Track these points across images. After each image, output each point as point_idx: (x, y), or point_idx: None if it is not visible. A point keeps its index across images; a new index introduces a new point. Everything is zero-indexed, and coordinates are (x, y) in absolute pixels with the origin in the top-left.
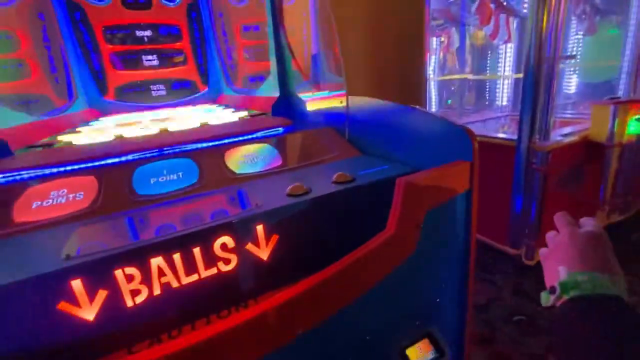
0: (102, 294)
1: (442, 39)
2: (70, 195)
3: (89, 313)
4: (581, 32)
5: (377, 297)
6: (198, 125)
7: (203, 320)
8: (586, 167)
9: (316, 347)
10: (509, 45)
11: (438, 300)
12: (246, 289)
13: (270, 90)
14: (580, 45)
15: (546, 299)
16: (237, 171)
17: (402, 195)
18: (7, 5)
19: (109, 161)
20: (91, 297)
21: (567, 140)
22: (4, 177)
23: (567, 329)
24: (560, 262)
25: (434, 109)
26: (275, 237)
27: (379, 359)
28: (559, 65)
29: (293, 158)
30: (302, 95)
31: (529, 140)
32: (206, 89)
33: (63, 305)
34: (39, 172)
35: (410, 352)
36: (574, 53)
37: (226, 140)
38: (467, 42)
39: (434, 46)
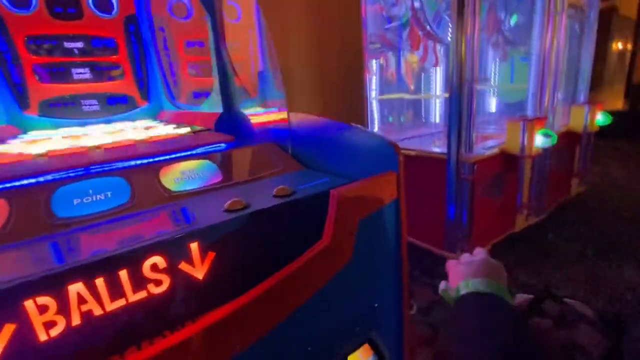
0: (8, 329)
1: (381, 61)
2: None
3: None
4: (497, 59)
5: (317, 307)
6: (133, 141)
7: (133, 349)
8: (506, 176)
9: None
10: (438, 68)
11: (376, 305)
12: (181, 311)
13: (214, 106)
14: (497, 70)
15: (443, 290)
16: (172, 189)
17: (335, 206)
18: None
19: (25, 181)
20: None
21: (489, 152)
22: None
23: (457, 319)
24: (463, 272)
25: (376, 125)
26: (211, 255)
27: None
28: (477, 87)
29: (234, 174)
30: (249, 112)
31: (456, 153)
32: (146, 104)
33: None
34: None
35: (351, 358)
36: (491, 77)
37: (163, 157)
38: (403, 64)
39: (374, 67)
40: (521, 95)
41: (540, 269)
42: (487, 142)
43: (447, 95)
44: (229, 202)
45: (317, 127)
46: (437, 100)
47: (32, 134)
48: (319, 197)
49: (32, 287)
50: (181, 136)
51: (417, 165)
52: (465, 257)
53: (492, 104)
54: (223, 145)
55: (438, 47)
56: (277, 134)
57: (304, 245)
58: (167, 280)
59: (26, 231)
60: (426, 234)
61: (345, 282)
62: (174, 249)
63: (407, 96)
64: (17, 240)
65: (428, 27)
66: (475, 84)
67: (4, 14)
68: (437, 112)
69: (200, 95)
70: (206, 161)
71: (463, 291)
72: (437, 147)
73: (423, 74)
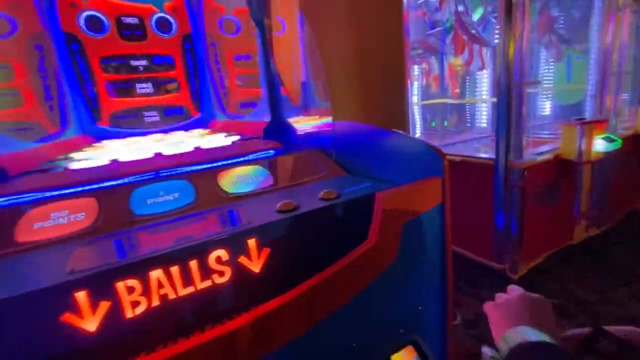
0: (104, 306)
1: (424, 66)
2: (72, 216)
3: (91, 324)
4: (552, 59)
5: (362, 304)
6: (192, 148)
7: (197, 332)
8: (561, 183)
9: (305, 354)
10: (483, 71)
11: (420, 308)
12: (239, 300)
13: (261, 115)
14: (551, 71)
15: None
16: (230, 191)
17: (381, 208)
18: (5, 37)
19: (107, 184)
20: (93, 308)
21: (541, 158)
22: (4, 200)
23: None
24: (504, 318)
25: (418, 131)
26: (266, 251)
27: None
28: (526, 90)
29: (283, 178)
30: (292, 120)
31: (505, 158)
32: (199, 115)
33: (67, 317)
34: (39, 195)
35: (395, 358)
36: (545, 78)
37: (220, 163)
38: (446, 68)
39: (416, 73)
40: (578, 97)
41: (600, 284)
42: (540, 148)
43: (494, 99)
44: (280, 203)
45: (359, 134)
46: (484, 105)
47: (104, 143)
48: (364, 200)
49: (123, 272)
50: (233, 144)
51: (463, 171)
52: (502, 297)
53: (546, 107)
54: (272, 152)
55: (484, 50)
56: (321, 141)
57: (349, 245)
58: (228, 272)
59: (112, 225)
60: (473, 243)
61: (389, 283)
62: (235, 244)
63: (450, 101)
64: (106, 232)
65: (473, 31)
66: (525, 86)
67: (83, 38)
68: (483, 116)
69: (247, 105)
70: (258, 166)
71: (509, 344)
72: (484, 153)
73: (468, 78)
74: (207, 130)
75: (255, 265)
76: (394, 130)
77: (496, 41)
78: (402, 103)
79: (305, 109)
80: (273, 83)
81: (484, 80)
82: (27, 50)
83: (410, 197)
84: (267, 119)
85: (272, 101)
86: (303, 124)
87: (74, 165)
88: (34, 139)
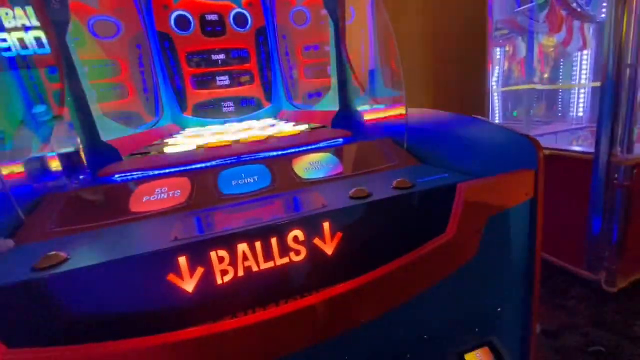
0: (200, 271)
1: (507, 48)
2: (171, 193)
3: (189, 285)
4: None
5: (436, 298)
6: (266, 137)
7: (272, 305)
8: None
9: (374, 340)
10: (584, 52)
11: (499, 310)
12: (313, 280)
13: (327, 105)
14: None
15: None
16: (304, 177)
17: (462, 201)
18: (112, 38)
19: (198, 166)
20: (192, 272)
21: None
22: (120, 177)
23: None
24: None
25: (497, 120)
26: (339, 235)
27: (436, 359)
28: None
29: (353, 166)
30: (360, 108)
31: (609, 153)
32: (269, 105)
33: (172, 277)
34: (146, 173)
35: (468, 357)
36: None
37: (293, 150)
38: (535, 50)
39: (498, 57)
40: None
41: None
42: None
43: (597, 84)
44: (353, 190)
45: (433, 122)
46: (582, 91)
47: (190, 131)
48: (441, 191)
49: (216, 243)
50: (303, 132)
51: (552, 166)
52: None
53: None
54: (342, 140)
55: (586, 27)
56: (391, 129)
57: (425, 237)
58: (304, 251)
59: (204, 202)
60: (560, 248)
61: (466, 280)
62: (310, 226)
63: (540, 87)
64: (200, 208)
65: (574, 4)
66: None
67: (173, 36)
68: (579, 105)
69: (313, 95)
70: (329, 154)
71: None
72: (579, 146)
73: (562, 61)
74: (277, 120)
75: (328, 248)
76: (473, 116)
77: (603, 16)
78: (481, 90)
79: (373, 97)
80: (344, 72)
81: (584, 64)
82: (129, 49)
83: (497, 190)
84: (332, 108)
85: (342, 90)
86: (373, 112)
87: (169, 150)
88: (135, 127)
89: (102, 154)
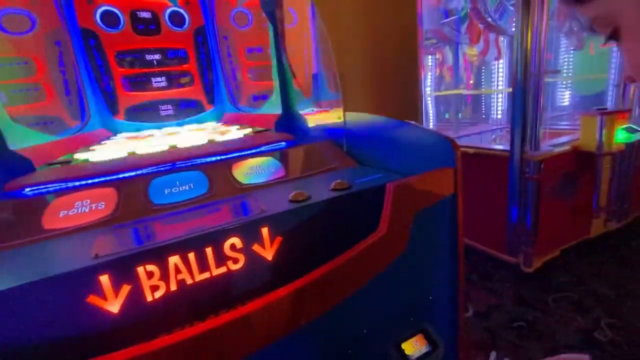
0: (125, 289)
1: (437, 56)
2: (93, 205)
3: (114, 306)
4: (572, 48)
5: (373, 293)
6: (206, 141)
7: (212, 316)
8: (580, 176)
9: (316, 340)
10: (500, 61)
11: (431, 298)
12: (252, 287)
13: (272, 108)
14: (572, 60)
15: None
16: (243, 182)
17: (391, 198)
18: (25, 34)
19: (126, 174)
20: (116, 291)
21: (559, 149)
22: (31, 190)
23: None
24: None
25: (431, 123)
26: (279, 239)
27: (376, 351)
28: (544, 80)
29: (295, 169)
30: (304, 112)
31: (520, 150)
32: (212, 108)
33: (92, 299)
34: (63, 185)
35: (405, 345)
36: (565, 67)
37: (233, 155)
38: (460, 59)
39: (429, 64)
40: (599, 87)
41: (618, 279)
42: (559, 139)
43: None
44: (292, 193)
45: (371, 125)
46: (500, 96)
47: (121, 136)
48: (375, 191)
49: (143, 257)
50: (246, 136)
51: (477, 163)
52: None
53: (565, 98)
54: (284, 143)
55: (501, 39)
56: (332, 133)
57: (360, 235)
58: (242, 259)
59: (132, 214)
60: (486, 236)
61: (399, 272)
62: (248, 233)
63: (465, 92)
64: (127, 220)
65: (489, 19)
66: (542, 77)
67: (100, 33)
68: (498, 108)
69: (258, 98)
70: (270, 158)
71: None
72: (499, 145)
73: (483, 69)
74: (220, 123)
75: (267, 253)
76: (405, 121)
77: (513, 29)
78: (415, 94)
79: (316, 101)
80: (285, 75)
81: (500, 71)
82: (46, 46)
83: (422, 188)
84: (278, 111)
85: (284, 93)
86: (314, 116)
87: (94, 157)
88: (55, 133)
89: (10, 165)
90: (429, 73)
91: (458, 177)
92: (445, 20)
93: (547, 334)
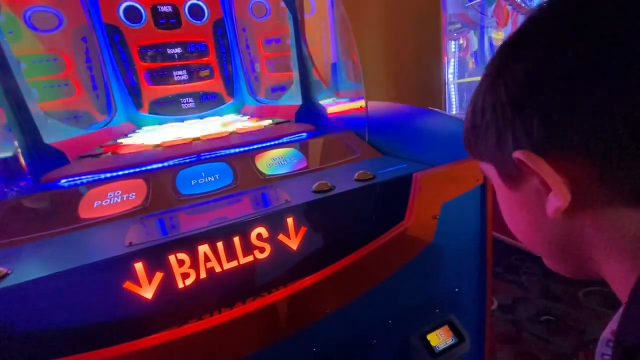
0: (158, 276)
1: (462, 41)
2: (125, 196)
3: (148, 292)
4: None
5: (398, 284)
6: (228, 133)
7: (239, 303)
8: None
9: (341, 329)
10: None
11: (457, 290)
12: (278, 276)
13: (291, 99)
14: None
15: None
16: (267, 172)
17: (418, 189)
18: (54, 31)
19: (154, 166)
20: (150, 278)
21: None
22: (67, 181)
23: None
24: None
25: (454, 111)
26: (303, 229)
27: (400, 342)
28: None
29: (317, 160)
30: (323, 102)
31: None
32: (231, 100)
33: (128, 285)
34: (95, 176)
35: (431, 337)
36: None
37: (255, 146)
38: (486, 43)
39: (453, 49)
40: None
41: None
42: None
43: None
44: (316, 184)
45: (393, 114)
46: None
47: (145, 129)
48: (399, 181)
49: (174, 246)
50: (266, 127)
51: None
52: None
53: None
54: (305, 134)
55: None
56: (353, 122)
57: (386, 226)
58: (268, 248)
59: (162, 204)
60: None
61: (425, 264)
62: (274, 223)
63: None
64: (157, 210)
65: (518, 0)
66: None
67: (123, 28)
68: None
69: (277, 89)
70: (292, 149)
71: None
72: None
73: None
74: (240, 115)
75: (293, 243)
76: (430, 108)
77: None
78: (438, 81)
79: (336, 91)
80: (304, 66)
81: None
82: (74, 42)
83: (449, 178)
84: (297, 102)
85: (304, 84)
86: (335, 106)
87: (122, 150)
88: (85, 127)
89: (46, 158)
90: (452, 59)
91: None
92: (471, 3)
93: (577, 329)
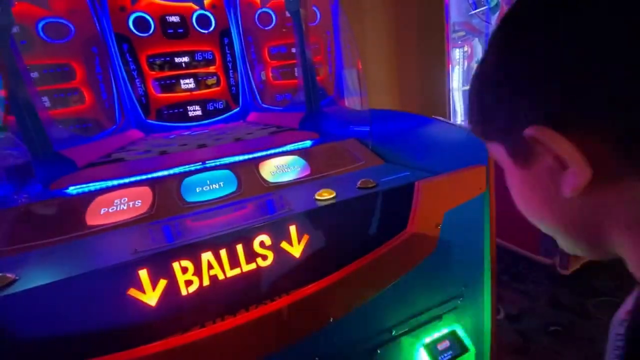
0: (162, 283)
1: (466, 49)
2: (131, 203)
3: (152, 299)
4: None
5: (402, 293)
6: (233, 140)
7: (242, 311)
8: None
9: (344, 338)
10: None
11: (461, 299)
12: (281, 283)
13: (296, 107)
14: None
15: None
16: (270, 180)
17: (421, 197)
18: (65, 41)
19: (160, 174)
20: (154, 285)
21: None
22: (75, 188)
23: None
24: None
25: (459, 119)
26: (306, 237)
27: (404, 350)
28: None
29: (321, 168)
30: (327, 110)
31: None
32: (237, 108)
33: (132, 292)
34: (102, 184)
35: (434, 347)
36: None
37: (260, 154)
38: None
39: (457, 57)
40: None
41: None
42: None
43: None
44: (319, 192)
45: (397, 122)
46: None
47: (153, 136)
48: (402, 189)
49: (178, 253)
50: (271, 135)
51: None
52: None
53: None
54: (309, 142)
55: None
56: (357, 130)
57: (388, 234)
58: (271, 256)
59: (167, 211)
60: (518, 236)
61: (429, 272)
62: (276, 230)
63: None
64: (162, 217)
65: None
66: None
67: (132, 38)
68: None
69: (282, 97)
70: (296, 157)
71: None
72: None
73: None
74: (245, 123)
75: (295, 251)
76: (433, 117)
77: None
78: (442, 89)
79: (340, 99)
80: (309, 74)
81: None
82: (84, 51)
83: (452, 186)
84: (302, 110)
85: (308, 92)
86: (339, 114)
87: (129, 157)
88: (93, 134)
89: (55, 165)
90: (457, 67)
91: (490, 175)
92: (475, 11)
93: (587, 340)
